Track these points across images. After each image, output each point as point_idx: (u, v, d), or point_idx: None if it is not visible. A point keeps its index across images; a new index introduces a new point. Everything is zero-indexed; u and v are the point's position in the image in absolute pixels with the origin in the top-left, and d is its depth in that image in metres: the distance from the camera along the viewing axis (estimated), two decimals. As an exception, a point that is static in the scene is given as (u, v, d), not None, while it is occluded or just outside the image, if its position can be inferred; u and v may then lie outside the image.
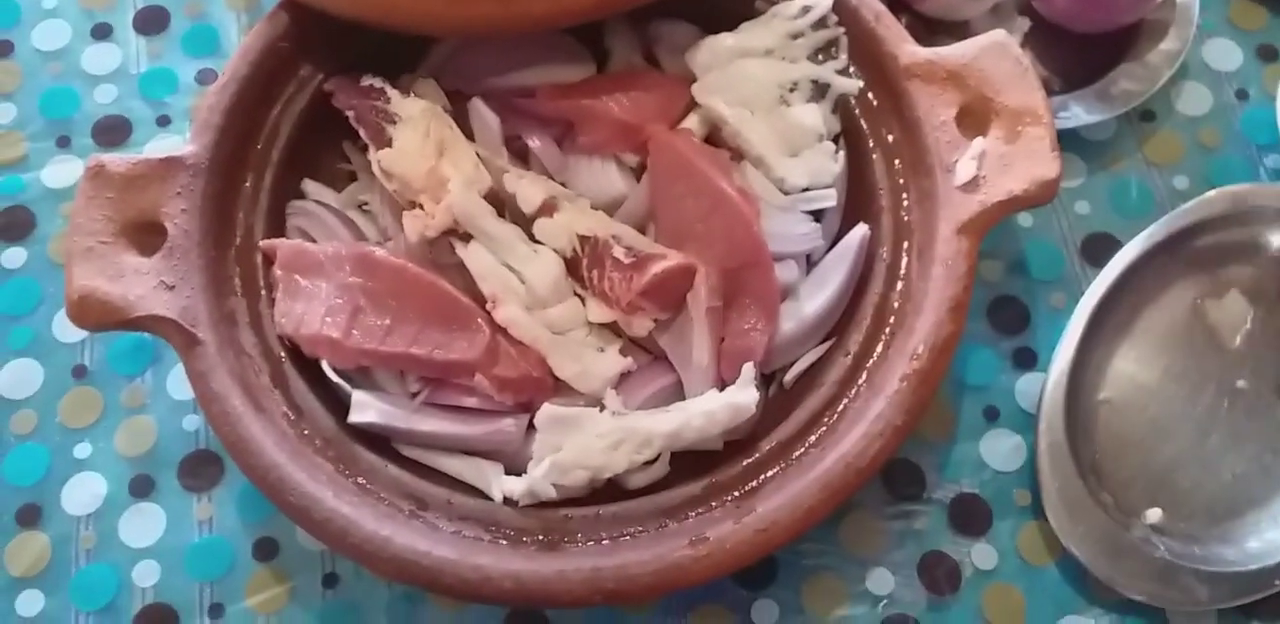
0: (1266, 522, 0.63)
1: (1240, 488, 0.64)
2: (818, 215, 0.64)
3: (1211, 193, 0.68)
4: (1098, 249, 0.70)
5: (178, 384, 0.66)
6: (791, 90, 0.65)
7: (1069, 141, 0.70)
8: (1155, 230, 0.67)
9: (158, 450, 0.65)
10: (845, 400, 0.57)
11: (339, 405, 0.59)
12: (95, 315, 0.56)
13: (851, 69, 0.65)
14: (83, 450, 0.65)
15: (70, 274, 0.57)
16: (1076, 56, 0.74)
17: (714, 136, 0.64)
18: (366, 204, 0.65)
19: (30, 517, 0.63)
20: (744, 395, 0.56)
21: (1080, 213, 0.71)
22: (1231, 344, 0.68)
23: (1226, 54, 0.76)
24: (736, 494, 0.56)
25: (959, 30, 0.73)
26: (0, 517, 0.63)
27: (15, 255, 0.70)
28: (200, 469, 0.64)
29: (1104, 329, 0.67)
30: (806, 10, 0.64)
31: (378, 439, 0.59)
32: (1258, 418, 0.66)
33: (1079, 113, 0.70)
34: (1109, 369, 0.67)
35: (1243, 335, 0.68)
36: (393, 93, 0.63)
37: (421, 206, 0.60)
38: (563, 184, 0.64)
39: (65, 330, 0.67)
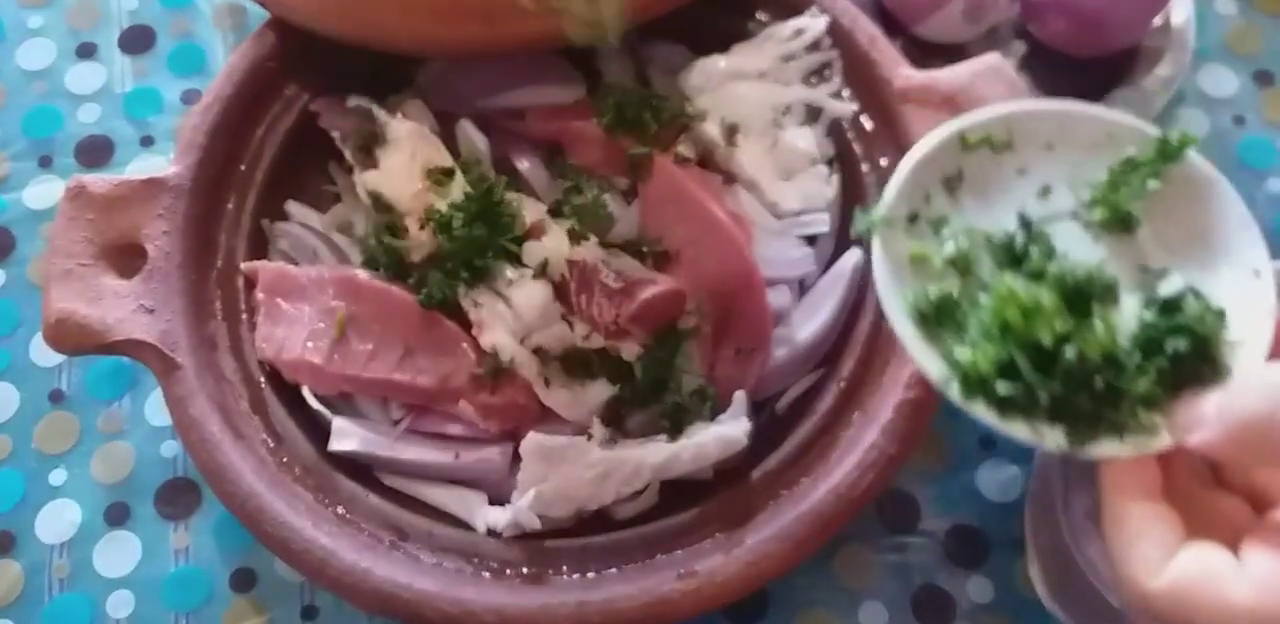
0: None
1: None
2: (811, 240, 0.63)
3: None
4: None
5: (156, 410, 0.65)
6: (784, 113, 0.64)
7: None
8: None
9: (135, 477, 0.63)
10: (838, 429, 0.56)
11: (319, 432, 0.58)
12: (73, 339, 0.55)
13: (845, 92, 0.64)
14: (58, 477, 0.63)
15: (48, 297, 0.56)
16: (1072, 81, 0.73)
17: (706, 160, 0.64)
18: (351, 226, 0.64)
19: (3, 545, 0.62)
20: (735, 428, 0.55)
21: (1077, 238, 0.70)
22: None
23: (1223, 79, 0.75)
24: (726, 526, 0.54)
25: (954, 54, 0.72)
26: (-28, 544, 0.62)
27: (-7, 277, 0.69)
28: (178, 497, 0.63)
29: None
30: (800, 33, 0.64)
31: (359, 467, 0.58)
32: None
33: (1075, 137, 0.70)
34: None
35: None
36: (379, 113, 0.62)
37: (407, 230, 0.59)
38: (552, 206, 0.63)
39: (42, 354, 0.66)
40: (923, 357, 0.45)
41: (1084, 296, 0.45)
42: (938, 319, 0.46)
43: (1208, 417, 0.41)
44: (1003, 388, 0.43)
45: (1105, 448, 0.43)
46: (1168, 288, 0.46)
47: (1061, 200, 0.50)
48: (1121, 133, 0.50)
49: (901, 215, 0.49)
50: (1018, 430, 0.43)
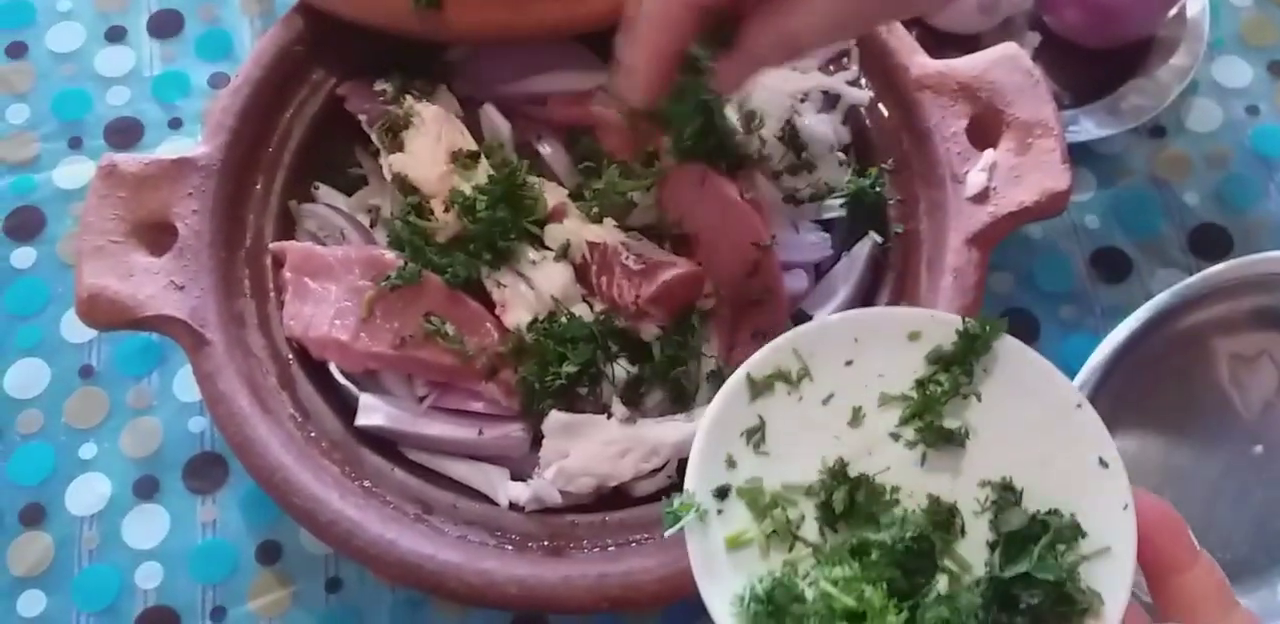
0: (1265, 590, 0.61)
1: (1243, 552, 0.62)
2: (827, 225, 0.64)
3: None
4: (1107, 263, 0.70)
5: (184, 386, 0.66)
6: (802, 100, 0.65)
7: (1080, 156, 0.70)
8: (1190, 285, 0.63)
9: (163, 452, 0.65)
10: (853, 410, 0.57)
11: (346, 408, 0.59)
12: (105, 314, 0.56)
13: (862, 80, 0.65)
14: (88, 451, 0.65)
15: (80, 272, 0.57)
16: (1087, 71, 0.74)
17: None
18: (377, 208, 0.65)
19: (34, 516, 0.63)
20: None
21: (1090, 227, 0.71)
22: (1254, 409, 0.65)
23: (1237, 70, 0.76)
24: (743, 502, 0.55)
25: (969, 44, 0.73)
26: (4, 516, 0.63)
27: (25, 255, 0.70)
28: (205, 471, 0.64)
29: (1118, 377, 0.63)
30: (819, 21, 0.64)
31: (384, 442, 0.59)
32: (1272, 486, 0.63)
33: (1089, 127, 0.70)
34: (1121, 419, 0.63)
35: (1265, 402, 0.65)
36: (405, 98, 0.63)
37: (432, 211, 0.61)
38: (573, 190, 0.64)
39: (73, 330, 0.67)
40: None
41: (924, 552, 0.41)
42: (777, 615, 0.40)
43: None
44: None
45: None
46: (1010, 523, 0.41)
47: (876, 424, 0.44)
48: (922, 328, 0.45)
49: (708, 496, 0.43)
50: None
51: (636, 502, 0.57)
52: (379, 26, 0.63)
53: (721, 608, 0.41)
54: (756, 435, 0.44)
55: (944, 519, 0.42)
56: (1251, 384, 0.65)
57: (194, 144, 0.71)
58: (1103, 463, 0.42)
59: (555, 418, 0.56)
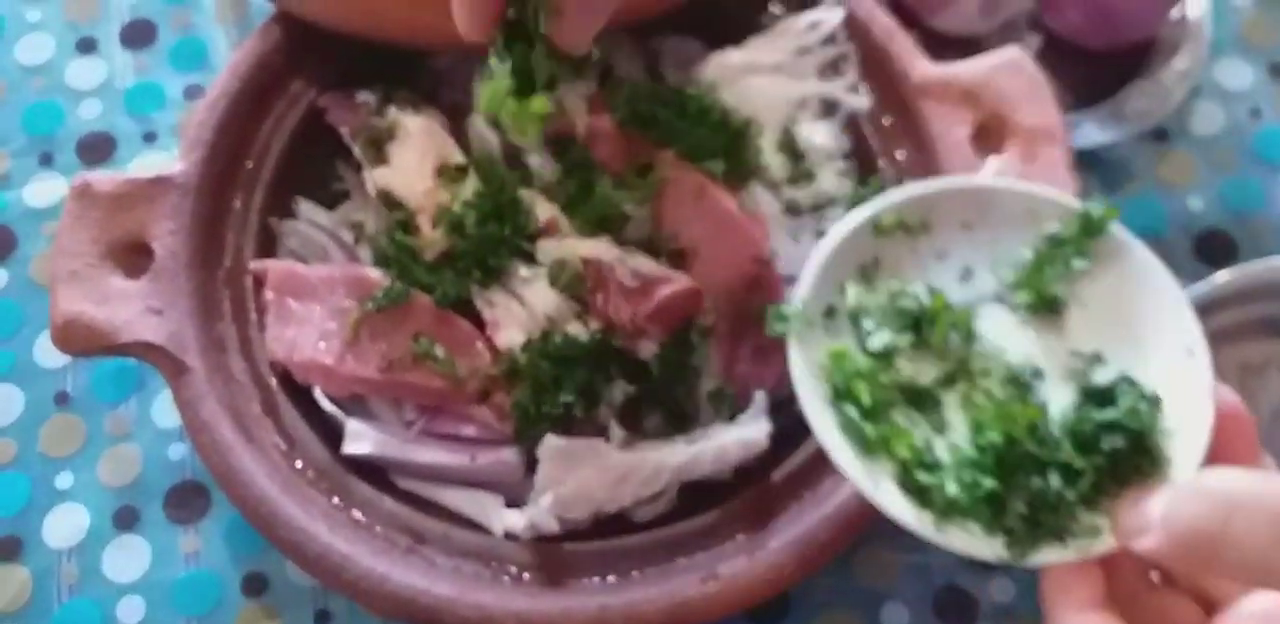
0: None
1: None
2: (827, 236, 0.62)
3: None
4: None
5: (163, 411, 0.64)
6: (800, 108, 0.63)
7: (1083, 161, 0.68)
8: (1197, 294, 0.62)
9: (143, 480, 0.63)
10: (859, 428, 0.55)
11: (333, 434, 0.57)
12: (81, 341, 0.54)
13: (861, 86, 0.63)
14: (64, 480, 0.62)
15: (55, 298, 0.55)
16: (1088, 73, 0.72)
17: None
18: (360, 224, 0.63)
19: (10, 550, 0.61)
20: (755, 429, 0.54)
21: (1094, 233, 0.69)
22: (1263, 418, 0.64)
23: (1239, 73, 0.74)
24: (748, 528, 0.54)
25: (969, 46, 0.71)
26: (-22, 550, 0.61)
27: (-5, 276, 0.68)
28: (187, 500, 0.62)
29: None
30: (815, 25, 0.63)
31: (373, 470, 0.57)
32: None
33: (1092, 132, 0.69)
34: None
35: (1274, 411, 0.64)
36: (389, 109, 0.61)
37: (419, 227, 0.58)
38: (564, 203, 0.62)
39: (47, 355, 0.65)
40: (853, 468, 0.43)
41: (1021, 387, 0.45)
42: (872, 420, 0.44)
43: (1152, 522, 0.39)
44: (951, 490, 0.42)
45: (1047, 555, 0.41)
46: (1099, 378, 0.44)
47: (983, 283, 0.48)
48: (1042, 208, 0.48)
49: (817, 312, 0.47)
50: (955, 541, 0.42)
51: (637, 528, 0.55)
52: (359, 34, 0.61)
53: (815, 403, 0.44)
54: (870, 271, 0.48)
55: (1029, 377, 0.46)
56: (1260, 393, 0.64)
57: (169, 158, 0.69)
58: (1190, 352, 0.44)
59: (551, 443, 0.54)
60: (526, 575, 0.53)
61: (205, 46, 0.74)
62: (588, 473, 0.54)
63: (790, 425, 0.58)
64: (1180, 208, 0.71)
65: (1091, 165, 0.71)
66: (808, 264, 0.47)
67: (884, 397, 0.45)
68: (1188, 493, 0.39)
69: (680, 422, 0.58)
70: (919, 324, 0.46)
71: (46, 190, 0.70)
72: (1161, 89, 0.70)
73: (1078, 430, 0.42)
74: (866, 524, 0.52)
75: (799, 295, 0.46)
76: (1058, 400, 0.45)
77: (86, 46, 0.74)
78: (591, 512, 0.54)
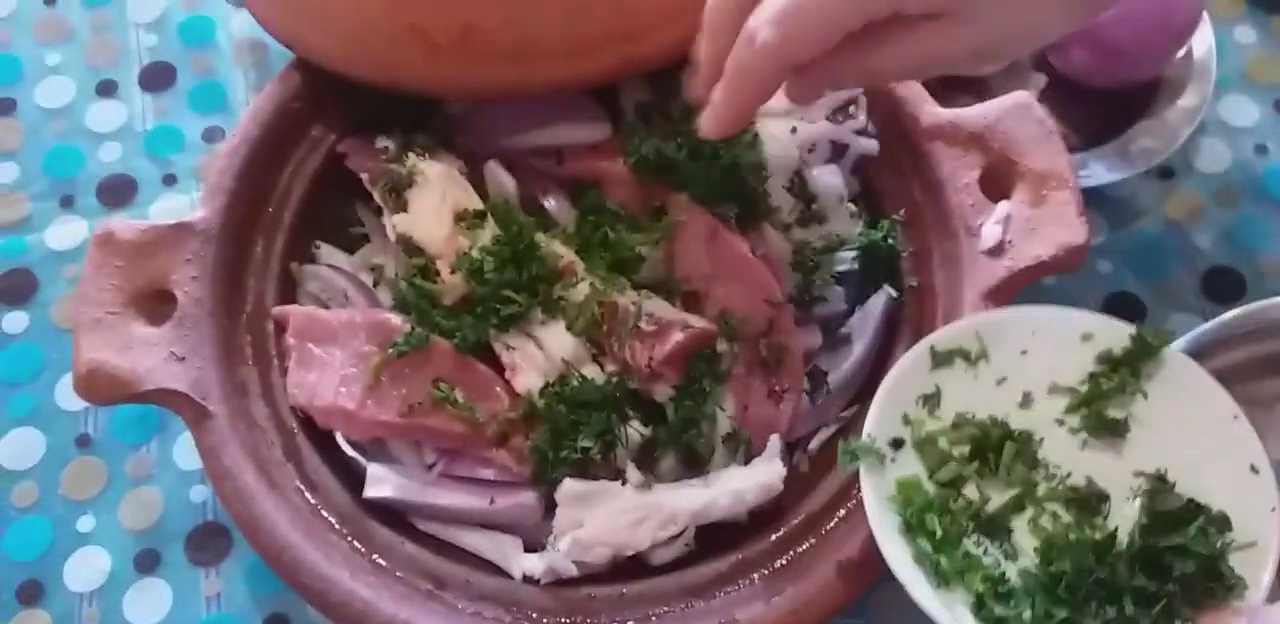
0: None
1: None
2: (840, 278, 0.63)
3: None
4: (1121, 309, 0.69)
5: (184, 453, 0.64)
6: (810, 151, 0.64)
7: (1090, 199, 0.68)
8: (1205, 332, 0.60)
9: (164, 523, 0.63)
10: (874, 471, 0.56)
11: (354, 478, 0.57)
12: (104, 389, 0.55)
13: (870, 129, 0.64)
14: (86, 523, 0.63)
15: (78, 347, 0.55)
16: (1093, 112, 0.73)
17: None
18: (380, 268, 0.64)
19: (32, 594, 0.61)
20: (770, 473, 0.55)
21: (1102, 272, 0.70)
22: (1272, 457, 0.64)
23: (1245, 110, 0.75)
24: (765, 572, 0.54)
25: (976, 86, 0.72)
26: (0, 594, 0.61)
27: (17, 320, 0.68)
28: (208, 542, 0.62)
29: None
30: (826, 71, 0.63)
31: (393, 513, 0.57)
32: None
33: (1099, 171, 0.69)
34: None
35: None
36: (408, 155, 0.62)
37: (438, 273, 0.59)
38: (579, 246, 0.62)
39: (68, 398, 0.66)
40: (931, 602, 0.45)
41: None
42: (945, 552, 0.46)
43: None
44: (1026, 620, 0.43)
45: None
46: (1165, 501, 0.45)
47: (1043, 407, 0.50)
48: (1096, 330, 0.50)
49: (885, 443, 0.49)
50: None
51: (654, 571, 0.56)
52: (378, 84, 0.61)
53: (889, 536, 0.46)
54: (932, 401, 0.50)
55: (1095, 500, 0.47)
56: (1268, 431, 0.64)
57: (189, 201, 0.70)
58: (1254, 469, 0.46)
59: (569, 486, 0.55)
60: (546, 620, 0.53)
61: (224, 89, 0.76)
62: (605, 515, 0.55)
63: (803, 468, 0.59)
64: (1187, 245, 0.71)
65: (1098, 203, 0.71)
66: (872, 405, 0.49)
67: (955, 527, 0.46)
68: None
69: (694, 464, 0.58)
70: (984, 450, 0.48)
71: (67, 233, 0.71)
72: (1167, 127, 0.71)
73: (1147, 555, 0.43)
74: (883, 568, 0.53)
75: (866, 429, 0.48)
76: (1124, 521, 0.46)
77: (106, 90, 0.75)
78: (609, 555, 0.55)
